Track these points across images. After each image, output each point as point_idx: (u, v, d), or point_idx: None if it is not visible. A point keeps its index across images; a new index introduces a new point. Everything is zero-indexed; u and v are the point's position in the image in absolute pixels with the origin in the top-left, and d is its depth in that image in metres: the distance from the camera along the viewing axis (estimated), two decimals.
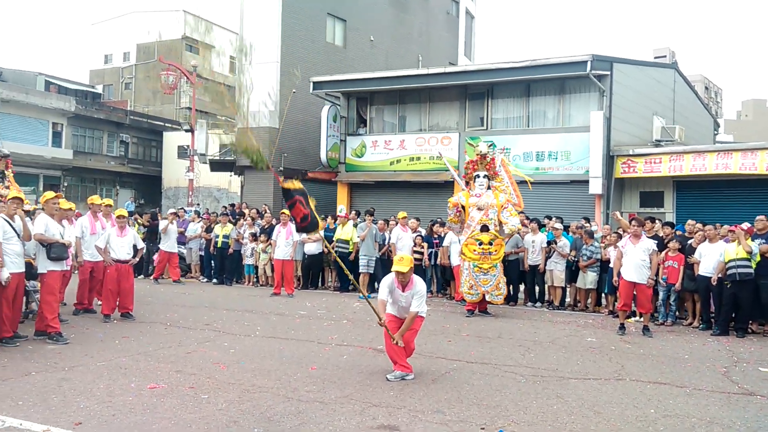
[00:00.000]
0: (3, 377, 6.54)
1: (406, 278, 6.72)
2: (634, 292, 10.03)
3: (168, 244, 15.57)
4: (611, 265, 11.13)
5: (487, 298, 11.46)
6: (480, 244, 11.36)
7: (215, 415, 5.46)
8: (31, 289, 9.44)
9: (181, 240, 16.58)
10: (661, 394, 6.47)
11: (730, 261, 9.96)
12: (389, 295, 6.90)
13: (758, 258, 9.87)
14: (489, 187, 11.79)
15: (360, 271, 13.90)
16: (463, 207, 11.83)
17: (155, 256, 16.13)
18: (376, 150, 21.73)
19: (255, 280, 15.86)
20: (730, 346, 9.17)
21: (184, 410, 5.56)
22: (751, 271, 9.84)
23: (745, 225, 10.38)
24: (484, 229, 11.37)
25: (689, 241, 11.32)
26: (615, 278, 10.36)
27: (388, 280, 6.91)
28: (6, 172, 12.38)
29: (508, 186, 12.05)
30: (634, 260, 9.85)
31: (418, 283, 6.81)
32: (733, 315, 10.21)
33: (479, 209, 11.56)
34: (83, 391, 6.06)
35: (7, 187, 10.96)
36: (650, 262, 9.93)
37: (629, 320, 10.54)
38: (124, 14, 48.01)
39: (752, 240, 10.03)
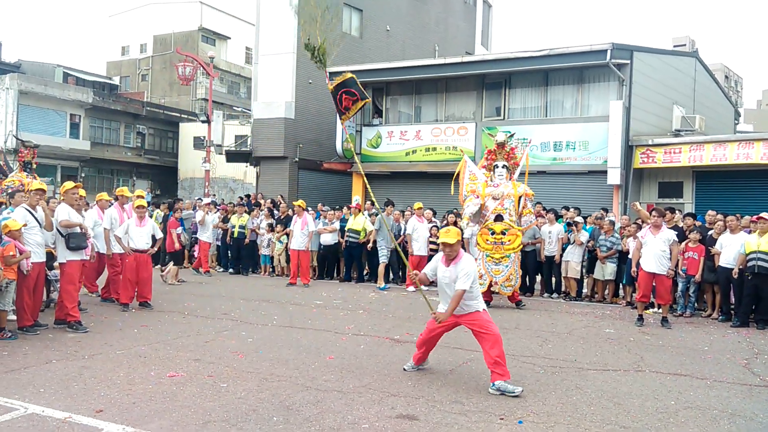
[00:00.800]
0: (25, 365, 6.62)
1: (453, 251, 6.24)
2: (653, 283, 9.93)
3: (207, 235, 15.78)
4: (630, 256, 11.01)
5: (494, 288, 11.27)
6: (492, 233, 11.27)
7: (235, 403, 5.49)
8: (52, 278, 9.55)
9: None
10: (681, 385, 6.41)
11: (750, 253, 9.80)
12: (434, 276, 6.52)
13: None
14: (510, 178, 11.68)
15: (381, 261, 14.03)
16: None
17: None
18: (392, 140, 21.66)
19: (271, 270, 15.94)
20: (751, 338, 9.06)
21: (203, 398, 5.61)
22: None
23: (766, 215, 10.18)
24: (498, 218, 11.28)
25: (709, 232, 11.17)
26: (633, 269, 10.25)
27: (438, 258, 6.52)
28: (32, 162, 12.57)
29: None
30: (654, 251, 9.72)
31: (465, 260, 6.28)
32: (754, 307, 10.07)
33: (494, 198, 11.48)
34: (104, 379, 6.13)
35: (35, 178, 11.10)
36: (670, 253, 9.80)
37: (647, 311, 10.43)
38: (141, 6, 48.19)
39: None
